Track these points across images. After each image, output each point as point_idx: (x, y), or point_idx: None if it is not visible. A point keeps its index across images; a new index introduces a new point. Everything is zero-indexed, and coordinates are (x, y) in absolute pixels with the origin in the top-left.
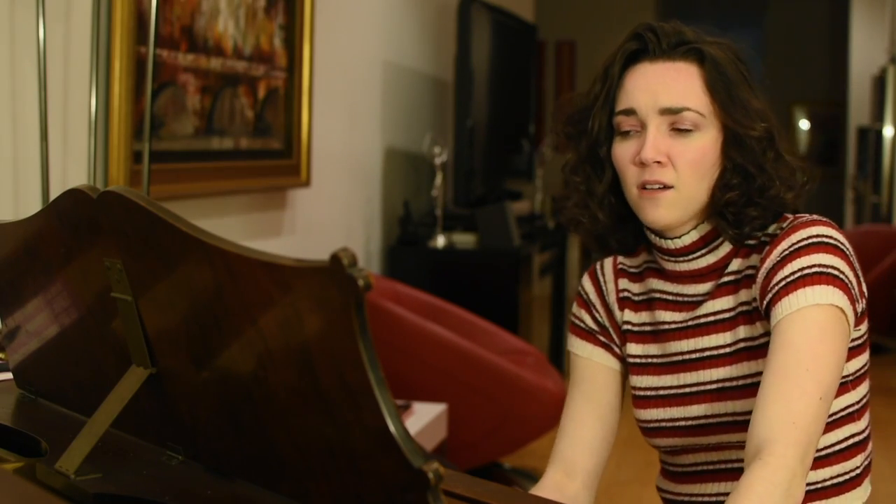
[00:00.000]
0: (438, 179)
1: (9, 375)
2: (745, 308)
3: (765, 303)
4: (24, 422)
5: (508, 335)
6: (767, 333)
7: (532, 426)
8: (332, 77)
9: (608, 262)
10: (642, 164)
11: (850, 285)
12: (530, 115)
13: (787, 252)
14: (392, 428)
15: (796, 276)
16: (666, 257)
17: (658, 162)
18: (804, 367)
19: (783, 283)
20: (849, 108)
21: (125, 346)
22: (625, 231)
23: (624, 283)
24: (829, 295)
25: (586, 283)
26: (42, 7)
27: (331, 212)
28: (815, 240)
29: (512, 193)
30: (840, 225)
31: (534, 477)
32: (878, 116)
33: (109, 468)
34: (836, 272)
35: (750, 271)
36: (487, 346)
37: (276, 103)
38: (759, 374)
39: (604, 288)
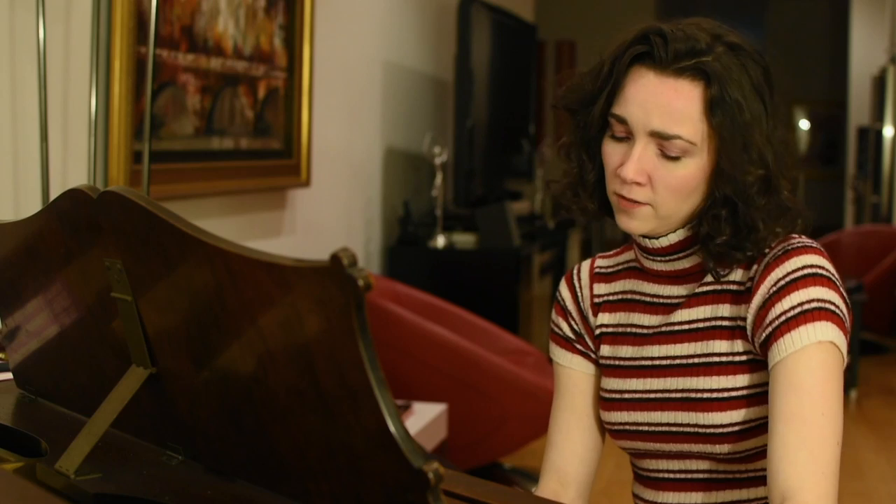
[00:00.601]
0: (438, 179)
1: (9, 375)
2: (725, 323)
3: (763, 335)
4: (24, 422)
5: (508, 335)
6: (748, 352)
7: (532, 426)
8: (332, 77)
9: (585, 265)
10: (621, 179)
11: (843, 319)
12: (530, 115)
13: (782, 284)
14: (392, 428)
15: (796, 311)
16: (646, 255)
17: (638, 182)
18: (819, 411)
19: (783, 318)
20: (849, 108)
21: (125, 346)
22: (611, 215)
23: (600, 287)
24: (828, 331)
25: (563, 289)
26: (42, 7)
27: (331, 212)
28: (809, 271)
29: (512, 193)
30: (840, 225)
31: (534, 477)
32: (878, 116)
33: (109, 468)
34: (833, 307)
35: (732, 286)
36: (487, 346)
37: (276, 103)
38: (730, 389)
39: (579, 294)
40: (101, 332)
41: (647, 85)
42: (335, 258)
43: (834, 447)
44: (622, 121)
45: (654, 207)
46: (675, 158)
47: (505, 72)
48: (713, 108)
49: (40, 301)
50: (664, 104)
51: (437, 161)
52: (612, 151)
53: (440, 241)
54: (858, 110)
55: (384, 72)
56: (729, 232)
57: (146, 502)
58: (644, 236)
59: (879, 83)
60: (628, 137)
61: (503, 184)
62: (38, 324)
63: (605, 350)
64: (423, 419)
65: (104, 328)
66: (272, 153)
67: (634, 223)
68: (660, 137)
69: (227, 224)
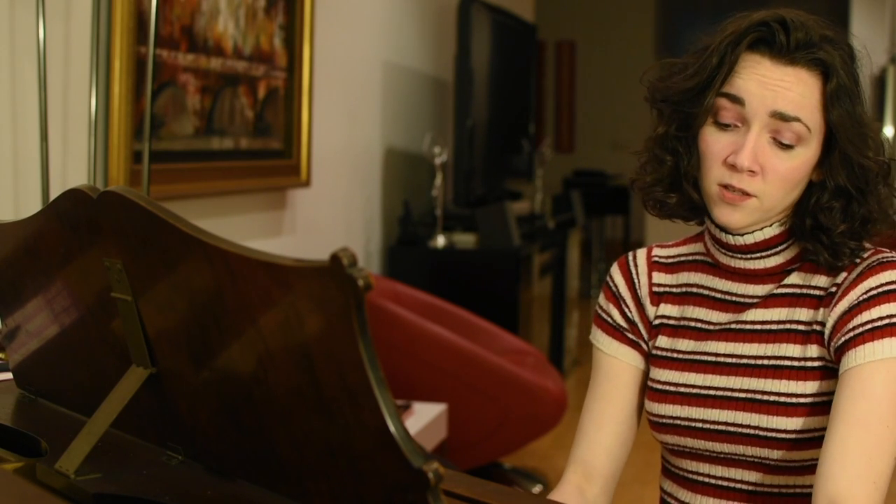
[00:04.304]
0: (438, 179)
1: (9, 375)
2: (800, 326)
3: (841, 339)
4: (24, 422)
5: (508, 335)
6: (820, 358)
7: (532, 426)
8: (332, 77)
9: (641, 253)
10: (732, 167)
11: None
12: (530, 115)
13: (874, 293)
14: (392, 428)
15: (884, 322)
16: (723, 251)
17: (751, 171)
18: (885, 423)
19: (869, 326)
20: None
21: (125, 346)
22: (701, 213)
23: (659, 276)
24: None
25: (616, 274)
26: (42, 7)
27: (331, 212)
28: None
29: (512, 193)
30: None
31: (534, 477)
32: (878, 116)
33: (109, 468)
34: None
35: (814, 291)
36: (487, 346)
37: (276, 103)
38: (798, 395)
39: (636, 280)
40: (101, 332)
41: (764, 69)
42: (335, 258)
43: (890, 461)
44: (737, 101)
45: (760, 199)
46: (789, 147)
47: (505, 72)
48: (832, 99)
49: (40, 301)
50: (786, 87)
51: (437, 161)
52: (716, 141)
53: (440, 241)
54: None
55: (384, 72)
56: (843, 223)
57: (146, 502)
58: (728, 232)
59: (879, 83)
60: (735, 125)
61: (503, 184)
62: (38, 324)
63: (663, 341)
64: (423, 419)
65: (104, 328)
66: (272, 153)
67: (737, 216)
68: (781, 119)
69: (227, 224)
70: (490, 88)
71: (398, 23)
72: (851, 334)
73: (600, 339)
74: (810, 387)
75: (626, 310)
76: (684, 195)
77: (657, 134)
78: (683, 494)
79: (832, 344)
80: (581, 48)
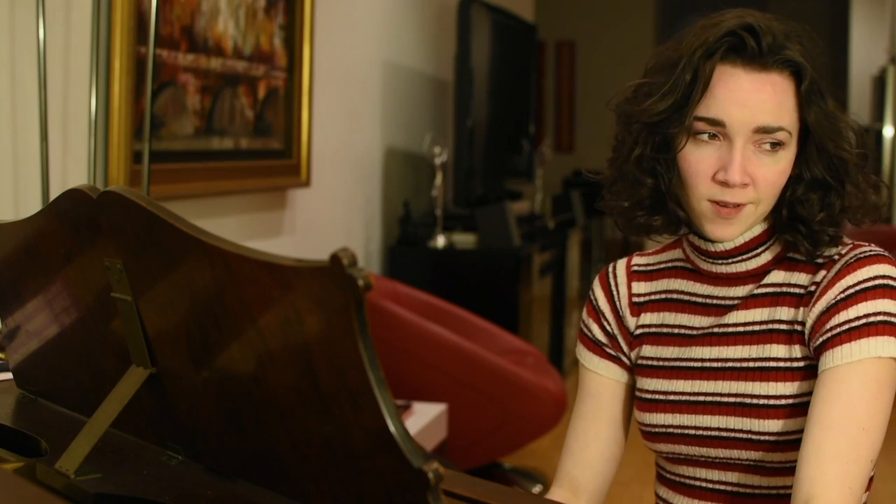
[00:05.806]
0: (438, 179)
1: (9, 375)
2: (783, 326)
3: (820, 339)
4: (24, 422)
5: (508, 335)
6: (805, 358)
7: (532, 426)
8: (332, 77)
9: (621, 264)
10: (723, 183)
11: None
12: (530, 115)
13: (851, 292)
14: (392, 428)
15: (861, 322)
16: (703, 257)
17: (744, 184)
18: (861, 425)
19: (846, 327)
20: (849, 108)
21: (125, 346)
22: (680, 225)
23: (639, 286)
24: (891, 347)
25: (596, 288)
26: (42, 7)
27: (331, 212)
28: (880, 282)
29: (512, 193)
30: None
31: (534, 477)
32: (878, 116)
33: (109, 468)
34: None
35: (794, 290)
36: (487, 346)
37: (276, 103)
38: (787, 396)
39: (615, 292)
40: (101, 332)
41: (741, 83)
42: (335, 258)
43: (866, 464)
44: (718, 123)
45: (755, 205)
46: (772, 153)
47: (505, 72)
48: (807, 100)
49: (40, 301)
50: (765, 99)
51: (437, 161)
52: (700, 159)
53: (440, 241)
54: (858, 110)
55: (384, 72)
56: (821, 212)
57: (146, 502)
58: (709, 240)
59: (879, 83)
60: (716, 139)
61: (503, 184)
62: (38, 324)
63: (647, 350)
64: (423, 419)
65: (104, 328)
66: (272, 153)
67: (732, 229)
68: (764, 132)
69: (227, 224)
70: (490, 88)
71: (398, 23)
72: (829, 335)
73: (583, 354)
74: (798, 387)
75: (606, 324)
76: (670, 215)
77: (634, 156)
78: (680, 500)
79: (812, 344)
80: (581, 48)
